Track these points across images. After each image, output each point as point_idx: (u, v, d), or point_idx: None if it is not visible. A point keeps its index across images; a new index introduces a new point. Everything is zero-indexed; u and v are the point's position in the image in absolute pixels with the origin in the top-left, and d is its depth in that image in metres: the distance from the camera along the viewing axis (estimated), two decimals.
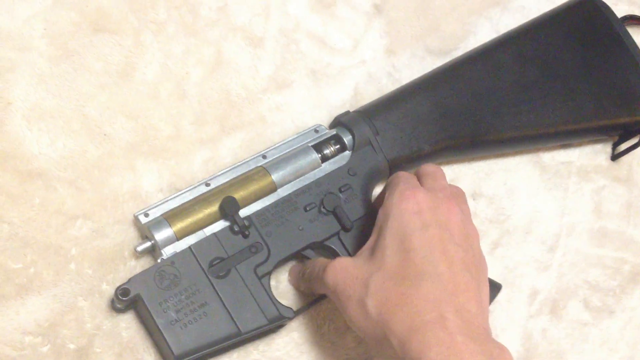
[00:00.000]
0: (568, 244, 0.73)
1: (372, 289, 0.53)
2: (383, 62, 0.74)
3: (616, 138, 0.76)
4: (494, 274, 0.66)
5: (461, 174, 0.73)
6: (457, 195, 0.60)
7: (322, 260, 0.60)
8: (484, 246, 0.70)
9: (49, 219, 0.61)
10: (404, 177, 0.60)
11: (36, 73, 0.64)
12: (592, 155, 0.77)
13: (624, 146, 0.76)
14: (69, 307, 0.59)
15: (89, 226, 0.61)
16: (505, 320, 0.69)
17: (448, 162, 0.72)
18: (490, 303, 0.63)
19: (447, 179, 0.71)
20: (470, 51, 0.74)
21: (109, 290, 0.60)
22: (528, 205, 0.74)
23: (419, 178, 0.61)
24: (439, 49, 0.76)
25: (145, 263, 0.62)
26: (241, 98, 0.69)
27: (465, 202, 0.60)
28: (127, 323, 0.60)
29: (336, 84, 0.72)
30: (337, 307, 0.57)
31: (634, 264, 0.74)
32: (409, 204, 0.56)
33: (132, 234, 0.62)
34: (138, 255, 0.61)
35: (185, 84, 0.68)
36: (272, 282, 0.63)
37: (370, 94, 0.73)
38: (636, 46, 0.74)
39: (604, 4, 0.75)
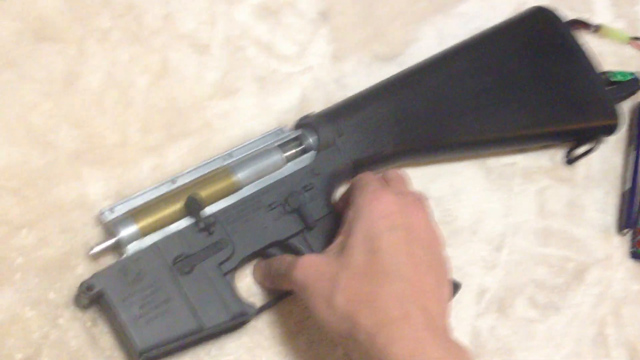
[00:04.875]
0: (513, 243, 0.74)
1: (340, 286, 0.54)
2: (330, 69, 0.75)
3: (571, 144, 0.78)
4: None
5: (409, 176, 0.74)
6: (422, 200, 0.61)
7: (288, 257, 0.61)
8: None
9: None
10: (373, 179, 0.61)
11: None
12: (535, 157, 0.78)
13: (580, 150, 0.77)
14: (15, 317, 0.58)
15: (34, 235, 0.61)
16: (454, 319, 0.69)
17: (402, 166, 0.73)
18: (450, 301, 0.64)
19: None
20: (429, 58, 0.75)
21: (56, 299, 0.59)
22: (474, 206, 0.75)
23: (386, 182, 0.62)
24: (385, 55, 0.77)
25: (93, 270, 0.61)
26: (187, 105, 0.69)
27: (428, 206, 0.62)
28: (76, 332, 0.59)
29: (283, 91, 0.73)
30: (304, 303, 0.57)
31: (577, 261, 0.75)
32: (379, 206, 0.57)
33: (78, 242, 0.61)
34: (101, 253, 0.60)
35: (131, 92, 0.67)
36: (237, 279, 0.63)
37: (318, 100, 0.73)
38: (586, 51, 0.76)
39: (553, 12, 0.77)
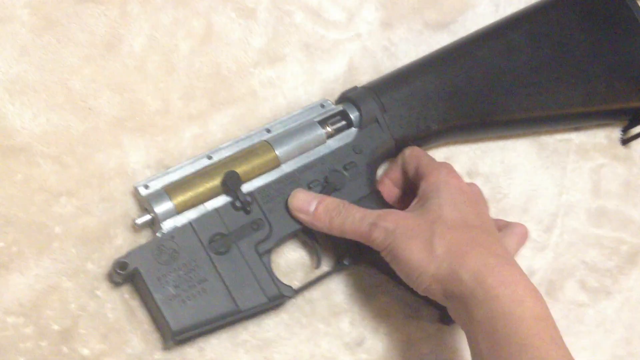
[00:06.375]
0: (565, 223, 0.72)
1: (438, 231, 0.57)
2: (379, 36, 0.72)
3: (626, 122, 0.75)
4: None
5: (457, 151, 0.72)
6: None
7: (362, 210, 0.59)
8: None
9: (31, 195, 0.59)
10: (439, 162, 0.63)
11: (18, 44, 0.62)
12: (591, 134, 0.75)
13: (634, 131, 0.74)
14: (52, 287, 0.58)
15: (73, 204, 0.60)
16: None
17: (448, 143, 0.71)
18: None
19: (443, 156, 0.71)
20: (482, 29, 0.72)
21: (94, 269, 0.58)
22: (525, 183, 0.72)
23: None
24: (437, 22, 0.74)
25: (133, 241, 0.60)
26: (232, 72, 0.67)
27: None
28: (113, 304, 0.58)
29: (330, 58, 0.71)
30: (389, 250, 0.58)
31: (631, 244, 0.73)
32: (457, 181, 0.60)
33: (118, 211, 0.60)
34: (137, 228, 0.59)
35: (174, 57, 0.66)
36: (275, 257, 0.62)
37: (366, 68, 0.71)
38: None
39: None
